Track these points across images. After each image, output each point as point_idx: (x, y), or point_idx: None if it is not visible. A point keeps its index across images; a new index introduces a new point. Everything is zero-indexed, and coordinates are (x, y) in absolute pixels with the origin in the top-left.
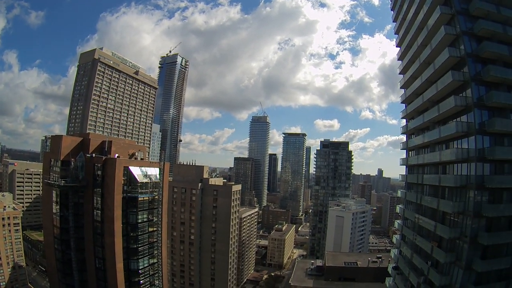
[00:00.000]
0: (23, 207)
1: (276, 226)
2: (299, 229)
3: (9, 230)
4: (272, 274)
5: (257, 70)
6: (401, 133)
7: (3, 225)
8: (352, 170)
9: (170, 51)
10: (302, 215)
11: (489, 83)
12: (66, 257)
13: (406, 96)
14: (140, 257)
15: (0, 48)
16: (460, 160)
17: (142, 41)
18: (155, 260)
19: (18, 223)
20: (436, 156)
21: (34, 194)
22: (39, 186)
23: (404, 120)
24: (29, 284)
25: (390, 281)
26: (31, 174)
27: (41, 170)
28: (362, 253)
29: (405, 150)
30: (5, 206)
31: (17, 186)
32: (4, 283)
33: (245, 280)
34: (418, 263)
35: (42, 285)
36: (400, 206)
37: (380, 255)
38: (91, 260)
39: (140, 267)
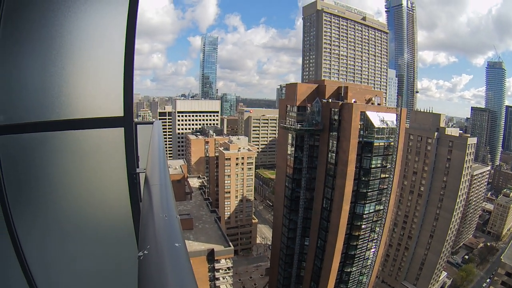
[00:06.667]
0: (258, 148)
1: (505, 190)
2: None
3: (242, 168)
4: (488, 244)
5: (486, 8)
6: None
7: (236, 164)
8: None
9: None
10: None
11: None
12: (294, 194)
13: None
14: (367, 202)
15: (221, 14)
16: None
17: None
18: (382, 207)
19: (252, 162)
20: None
21: (270, 137)
22: (274, 130)
23: None
24: (252, 215)
25: None
26: (267, 120)
27: (277, 116)
28: None
29: None
30: (239, 148)
31: (253, 131)
32: (229, 212)
33: (461, 244)
34: None
35: (265, 218)
36: None
37: None
38: (319, 199)
39: (366, 212)
